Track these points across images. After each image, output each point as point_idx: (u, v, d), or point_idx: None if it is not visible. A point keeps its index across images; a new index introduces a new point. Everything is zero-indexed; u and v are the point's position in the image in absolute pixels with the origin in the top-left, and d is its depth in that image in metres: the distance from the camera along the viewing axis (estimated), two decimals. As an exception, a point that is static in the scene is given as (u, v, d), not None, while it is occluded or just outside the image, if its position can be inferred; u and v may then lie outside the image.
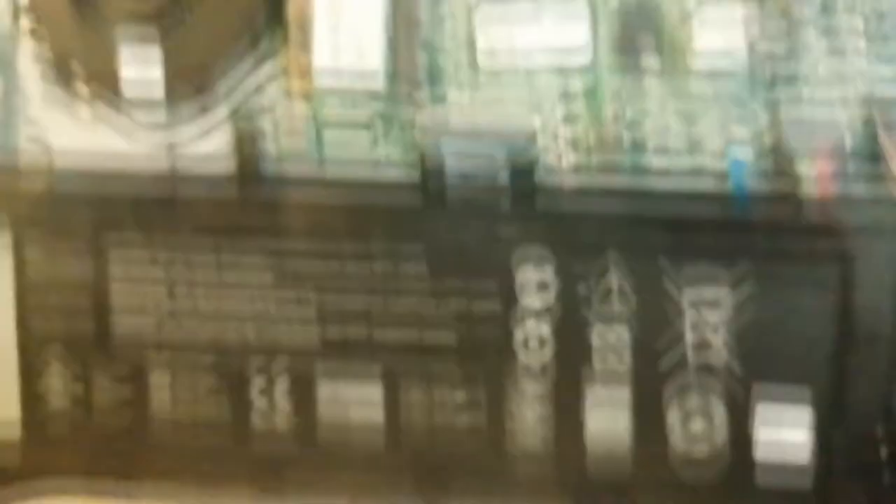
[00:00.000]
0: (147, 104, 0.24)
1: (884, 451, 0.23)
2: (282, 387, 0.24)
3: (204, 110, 0.24)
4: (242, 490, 0.24)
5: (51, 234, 0.24)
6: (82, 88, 0.24)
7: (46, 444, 0.25)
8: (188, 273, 0.24)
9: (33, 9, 0.24)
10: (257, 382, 0.24)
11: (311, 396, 0.24)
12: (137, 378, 0.24)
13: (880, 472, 0.23)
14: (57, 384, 0.24)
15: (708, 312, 0.23)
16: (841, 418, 0.23)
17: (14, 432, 0.25)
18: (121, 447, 0.25)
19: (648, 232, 0.23)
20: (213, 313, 0.24)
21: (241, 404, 0.24)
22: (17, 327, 0.24)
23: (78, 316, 0.24)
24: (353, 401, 0.24)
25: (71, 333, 0.24)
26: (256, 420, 0.24)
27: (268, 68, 0.23)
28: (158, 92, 0.24)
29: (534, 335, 0.23)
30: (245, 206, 0.23)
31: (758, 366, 0.23)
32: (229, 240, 0.23)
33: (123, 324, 0.24)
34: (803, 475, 0.23)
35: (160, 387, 0.24)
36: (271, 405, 0.24)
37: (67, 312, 0.24)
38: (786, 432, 0.23)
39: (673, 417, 0.23)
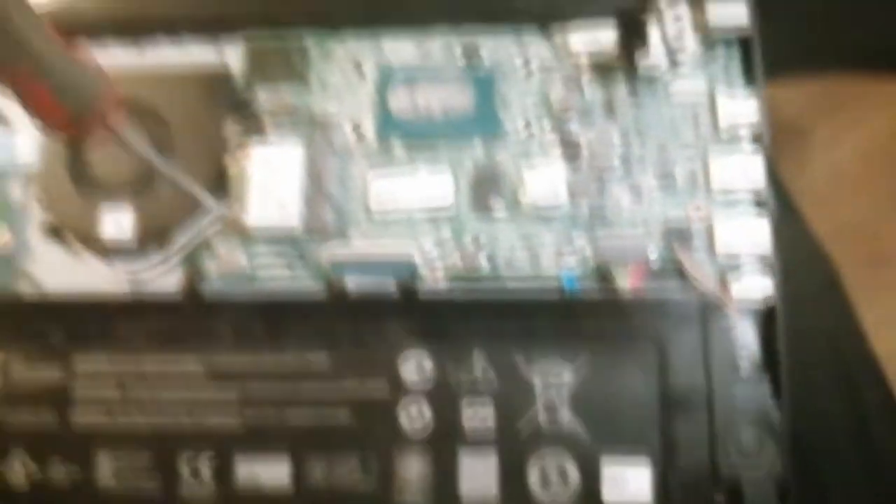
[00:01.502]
0: (120, 251, 0.31)
1: (717, 497, 0.27)
2: (205, 462, 0.28)
3: (163, 254, 0.31)
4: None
5: (30, 346, 0.30)
6: (72, 240, 0.32)
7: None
8: (136, 369, 0.29)
9: (39, 181, 0.32)
10: (186, 458, 0.28)
11: (230, 470, 0.28)
12: (87, 458, 0.28)
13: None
14: (18, 466, 0.29)
15: (554, 388, 0.28)
16: (674, 470, 0.27)
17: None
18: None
19: (503, 327, 0.29)
20: (153, 402, 0.29)
21: (172, 477, 0.28)
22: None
23: (43, 408, 0.29)
24: (266, 473, 0.28)
25: (35, 423, 0.29)
26: (184, 491, 0.28)
27: (211, 220, 0.31)
28: (130, 241, 0.31)
29: (416, 413, 0.28)
30: (185, 316, 0.30)
31: (599, 426, 0.28)
32: (171, 342, 0.29)
33: (80, 413, 0.29)
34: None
35: (106, 465, 0.28)
36: (197, 478, 0.28)
37: (36, 406, 0.29)
38: (629, 485, 0.27)
39: (533, 476, 0.28)
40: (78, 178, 0.32)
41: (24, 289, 0.32)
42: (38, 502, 0.28)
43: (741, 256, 0.30)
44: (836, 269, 0.42)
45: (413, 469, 0.28)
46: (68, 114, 0.24)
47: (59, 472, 0.28)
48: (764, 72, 0.31)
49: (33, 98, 0.24)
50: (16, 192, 0.32)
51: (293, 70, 0.33)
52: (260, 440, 0.28)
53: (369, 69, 0.33)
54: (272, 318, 0.29)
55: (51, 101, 0.24)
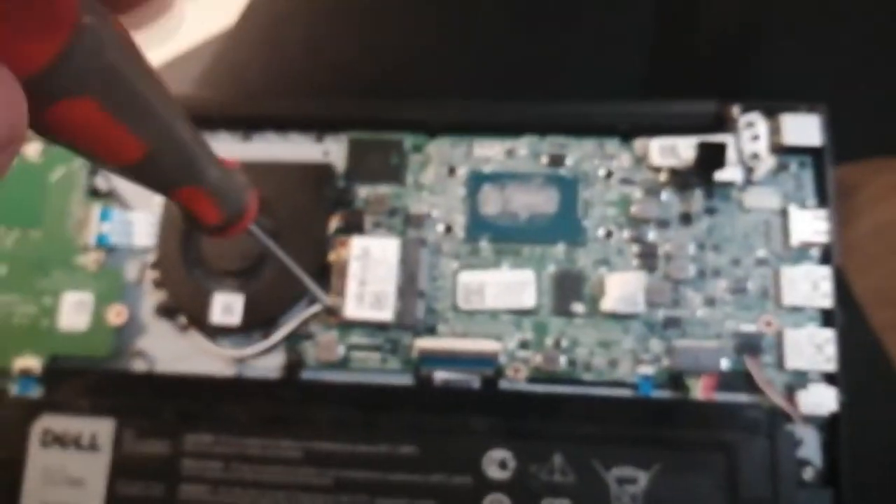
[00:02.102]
0: (228, 333, 0.34)
1: None
2: (302, 542, 0.31)
3: (267, 338, 0.34)
4: None
5: (142, 421, 0.32)
6: (183, 321, 0.34)
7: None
8: (240, 451, 0.31)
9: (157, 266, 0.35)
10: (283, 538, 0.31)
11: (324, 551, 0.30)
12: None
13: None
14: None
15: (628, 487, 0.30)
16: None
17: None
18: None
19: (582, 426, 0.31)
20: (255, 482, 0.31)
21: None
22: (107, 489, 0.32)
23: (152, 481, 0.31)
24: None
25: (145, 494, 0.31)
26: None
27: (313, 309, 0.34)
28: (237, 325, 0.34)
29: (496, 503, 0.30)
30: (286, 402, 0.32)
31: (669, 531, 0.30)
32: (272, 427, 0.32)
33: (186, 489, 0.31)
34: None
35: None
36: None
37: (145, 479, 0.32)
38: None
39: (606, 573, 0.30)
40: (191, 262, 0.34)
41: (137, 365, 0.34)
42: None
43: (809, 370, 0.32)
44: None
45: (493, 559, 0.30)
46: (225, 219, 0.26)
47: (168, 544, 0.31)
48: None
49: (196, 208, 0.26)
50: (132, 272, 0.35)
51: (391, 170, 0.35)
52: (352, 523, 0.31)
53: (462, 171, 0.35)
54: (365, 407, 0.32)
55: (212, 210, 0.25)
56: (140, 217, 0.35)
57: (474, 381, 0.33)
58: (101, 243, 0.35)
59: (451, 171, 0.35)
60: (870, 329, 0.44)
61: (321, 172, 0.35)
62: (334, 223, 0.34)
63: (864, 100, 0.44)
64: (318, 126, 0.36)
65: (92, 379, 0.33)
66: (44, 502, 0.32)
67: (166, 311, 0.34)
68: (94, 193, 0.36)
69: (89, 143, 0.19)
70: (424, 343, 0.33)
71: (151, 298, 0.35)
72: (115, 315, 0.34)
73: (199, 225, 0.26)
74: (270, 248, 0.30)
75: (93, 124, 0.18)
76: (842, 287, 0.34)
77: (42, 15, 0.15)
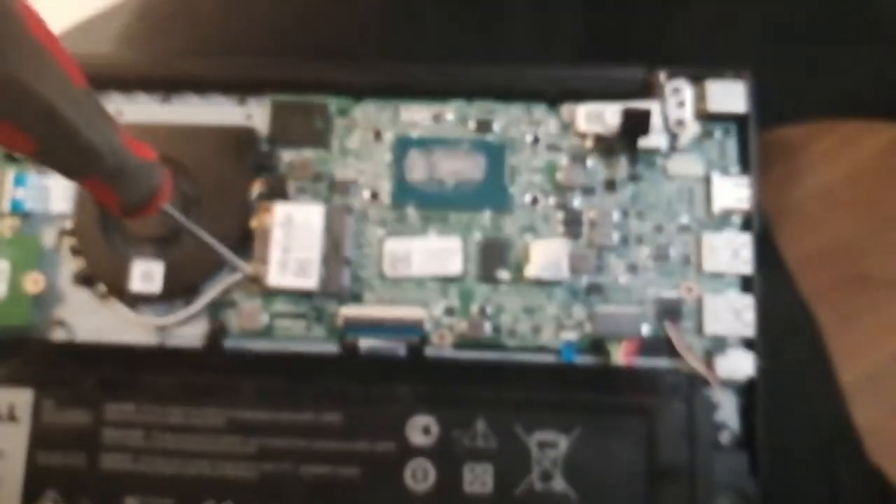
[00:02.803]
0: (148, 301, 0.33)
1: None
2: (225, 510, 0.31)
3: (188, 306, 0.33)
4: None
5: (61, 391, 0.32)
6: (102, 289, 0.33)
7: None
8: (163, 420, 0.31)
9: (74, 233, 0.34)
10: (206, 506, 0.31)
11: (247, 518, 0.31)
12: (115, 502, 0.31)
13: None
14: (48, 505, 0.31)
15: (549, 451, 0.31)
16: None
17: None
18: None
19: (505, 391, 0.31)
20: (178, 451, 0.31)
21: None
22: (27, 460, 0.31)
23: (73, 451, 0.31)
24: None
25: (66, 465, 0.31)
26: (202, 537, 0.30)
27: (236, 276, 0.33)
28: (157, 293, 0.33)
29: (419, 468, 0.31)
30: (209, 371, 0.32)
31: (590, 493, 0.30)
32: (195, 396, 0.31)
33: (108, 459, 0.31)
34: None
35: (130, 509, 0.31)
36: (216, 525, 0.30)
37: (66, 449, 0.31)
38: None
39: (526, 535, 0.30)
40: (109, 228, 0.33)
41: (56, 334, 0.34)
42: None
43: (728, 335, 0.32)
44: (820, 330, 0.44)
45: (415, 522, 0.31)
46: (128, 205, 0.26)
47: (87, 513, 0.31)
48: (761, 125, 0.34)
49: (98, 193, 0.25)
50: (48, 239, 0.34)
51: (316, 134, 0.35)
52: (275, 492, 0.31)
53: (388, 136, 0.35)
54: (290, 375, 0.32)
55: (114, 197, 0.25)
56: (57, 182, 0.34)
57: (400, 349, 0.33)
58: (16, 209, 0.34)
59: (378, 135, 0.35)
60: (797, 295, 0.45)
61: (243, 136, 0.34)
62: (257, 188, 0.34)
63: (790, 62, 0.45)
64: (240, 88, 0.35)
65: (9, 348, 0.32)
66: (-40, 474, 0.32)
67: (85, 280, 0.34)
68: (10, 158, 0.35)
69: None
70: (349, 311, 0.33)
71: (69, 266, 0.34)
72: (32, 283, 0.33)
73: (102, 206, 0.26)
74: (186, 225, 0.30)
75: None
76: (765, 254, 0.35)
77: None
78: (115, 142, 0.24)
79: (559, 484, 0.30)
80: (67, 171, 0.24)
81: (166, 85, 0.35)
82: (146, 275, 0.33)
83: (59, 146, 0.23)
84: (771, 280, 0.34)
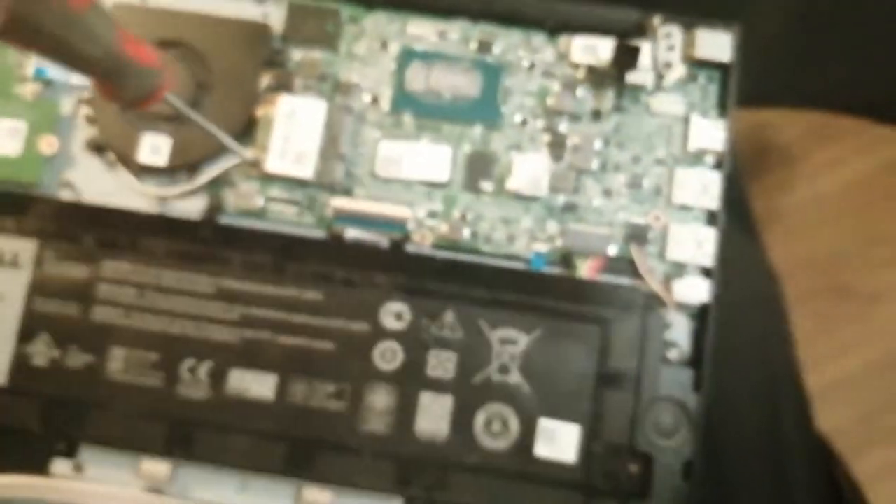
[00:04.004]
0: (154, 172, 0.35)
1: (631, 466, 0.32)
2: (204, 369, 0.33)
3: (190, 182, 0.35)
4: (160, 444, 0.32)
5: (63, 245, 0.34)
6: (112, 157, 0.36)
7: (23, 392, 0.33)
8: (156, 281, 0.34)
9: (90, 103, 0.36)
10: (187, 363, 0.33)
11: (224, 378, 0.33)
12: (102, 350, 0.33)
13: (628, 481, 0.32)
14: (41, 348, 0.33)
15: (509, 347, 0.33)
16: (598, 437, 0.32)
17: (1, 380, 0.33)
18: (78, 398, 0.33)
19: (474, 289, 0.34)
20: (166, 311, 0.33)
21: (173, 377, 0.33)
22: (25, 305, 0.33)
23: (68, 301, 0.33)
24: (254, 385, 0.33)
25: (60, 313, 0.33)
26: (181, 390, 0.33)
27: (237, 158, 0.35)
28: (163, 165, 0.35)
29: (388, 350, 0.33)
30: (203, 242, 0.34)
31: (542, 389, 0.33)
32: (188, 263, 0.34)
33: (100, 311, 0.33)
34: (571, 471, 0.32)
35: (118, 358, 0.33)
36: (194, 381, 0.33)
37: (62, 298, 0.33)
38: (559, 444, 0.32)
39: (479, 422, 0.33)
40: (123, 103, 0.36)
41: (64, 194, 0.36)
42: (54, 381, 0.33)
43: (688, 263, 0.35)
44: (779, 283, 0.46)
45: (379, 401, 0.33)
46: (128, 100, 0.29)
47: (76, 359, 0.33)
48: (750, 98, 0.36)
49: (99, 87, 0.29)
50: (66, 106, 0.36)
51: (326, 37, 0.37)
52: (253, 356, 0.33)
53: (393, 47, 0.37)
54: (278, 253, 0.34)
55: (114, 92, 0.28)
56: (78, 55, 0.36)
57: (383, 243, 0.35)
58: (39, 76, 0.36)
59: (384, 45, 0.37)
60: (758, 254, 0.47)
61: (258, 31, 0.36)
62: (265, 81, 0.36)
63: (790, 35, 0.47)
64: (260, -14, 0.37)
65: (19, 201, 0.35)
66: (-38, 311, 0.34)
67: (96, 147, 0.36)
68: (37, 28, 0.37)
69: None
70: (340, 202, 0.35)
71: (83, 133, 0.36)
72: (47, 145, 0.35)
73: (102, 97, 0.30)
74: (189, 115, 0.32)
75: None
76: (734, 199, 0.37)
77: None
78: (114, 51, 0.28)
79: (515, 377, 0.33)
80: (70, 69, 0.28)
81: (189, -25, 0.37)
82: (154, 148, 0.35)
83: (57, 58, 0.27)
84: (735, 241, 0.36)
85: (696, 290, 0.34)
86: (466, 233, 0.35)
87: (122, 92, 0.30)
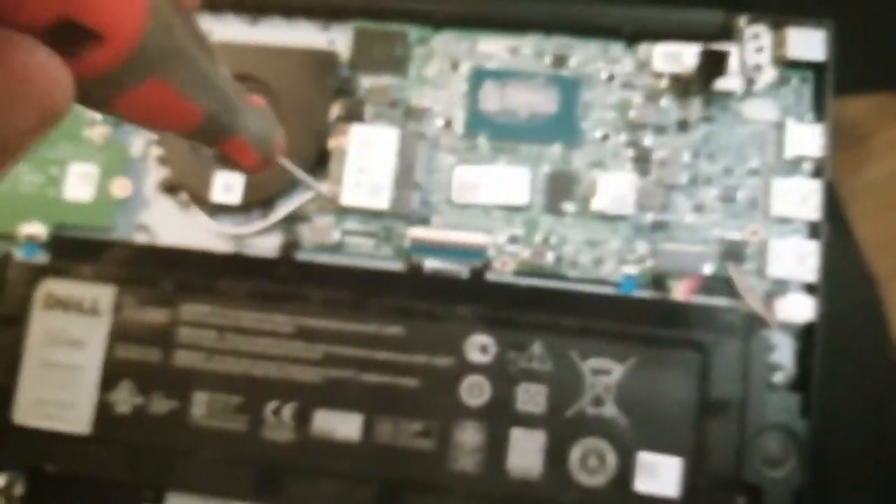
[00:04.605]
0: (227, 210, 0.35)
1: (739, 499, 0.30)
2: (288, 410, 0.32)
3: (265, 219, 0.35)
4: (248, 488, 0.31)
5: (141, 290, 0.34)
6: (185, 197, 0.35)
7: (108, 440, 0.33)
8: (235, 322, 0.33)
9: (161, 143, 0.35)
10: (271, 405, 0.32)
11: (308, 419, 0.32)
12: (185, 395, 0.32)
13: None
14: (124, 395, 0.33)
15: (602, 378, 0.31)
16: (702, 470, 0.31)
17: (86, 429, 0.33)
18: (163, 445, 0.33)
19: (563, 318, 0.32)
20: (248, 353, 0.33)
21: (257, 420, 0.32)
22: (106, 352, 0.33)
23: (149, 346, 0.33)
24: (339, 425, 0.32)
25: (142, 359, 0.33)
26: (266, 433, 0.32)
27: (311, 193, 0.34)
28: (237, 204, 0.34)
29: (475, 385, 0.32)
30: (281, 280, 0.33)
31: (639, 421, 0.31)
32: (266, 302, 0.33)
33: (181, 355, 0.33)
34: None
35: (201, 402, 0.32)
36: (279, 423, 0.32)
37: (143, 344, 0.33)
38: (660, 478, 0.31)
39: (574, 458, 0.31)
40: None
41: (139, 237, 0.35)
42: (138, 429, 0.33)
43: (789, 279, 0.32)
44: (878, 283, 0.43)
45: (469, 438, 0.32)
46: (261, 159, 0.26)
47: (160, 405, 0.33)
48: (836, 92, 0.33)
49: (238, 155, 0.25)
50: (137, 148, 0.36)
51: (395, 61, 0.35)
52: (337, 396, 0.32)
53: (464, 67, 0.35)
54: (357, 289, 0.33)
55: (251, 154, 0.25)
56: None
57: (463, 272, 0.34)
58: (107, 118, 0.36)
59: (454, 65, 0.35)
60: (860, 259, 0.45)
61: (325, 59, 0.35)
62: (335, 111, 0.35)
63: (870, 23, 0.44)
64: (325, 14, 0.36)
65: (95, 247, 0.34)
66: (45, 360, 0.34)
67: (169, 188, 0.35)
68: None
69: (153, 119, 0.19)
70: (417, 232, 0.34)
71: (155, 174, 0.36)
72: (120, 188, 0.35)
73: (238, 167, 0.25)
74: (299, 175, 0.29)
75: (159, 103, 0.18)
76: (833, 204, 0.34)
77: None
78: (244, 97, 0.24)
79: (610, 409, 0.31)
80: (222, 136, 0.23)
81: (255, 7, 0.36)
82: (227, 186, 0.34)
83: (221, 111, 0.22)
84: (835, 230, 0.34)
85: (800, 308, 0.32)
86: (550, 257, 0.34)
87: (257, 148, 0.25)
